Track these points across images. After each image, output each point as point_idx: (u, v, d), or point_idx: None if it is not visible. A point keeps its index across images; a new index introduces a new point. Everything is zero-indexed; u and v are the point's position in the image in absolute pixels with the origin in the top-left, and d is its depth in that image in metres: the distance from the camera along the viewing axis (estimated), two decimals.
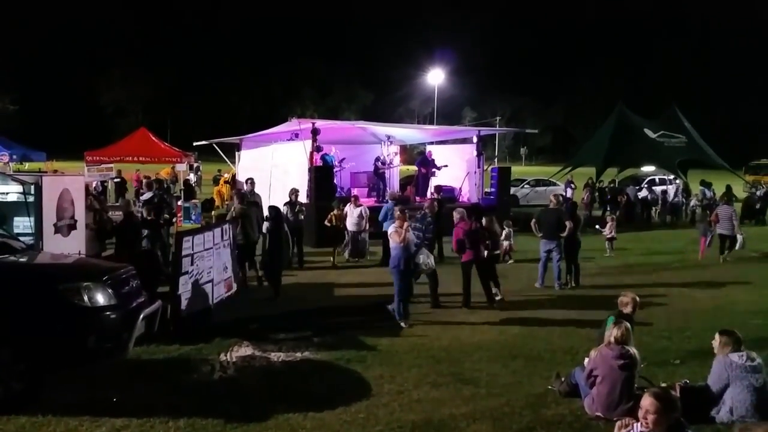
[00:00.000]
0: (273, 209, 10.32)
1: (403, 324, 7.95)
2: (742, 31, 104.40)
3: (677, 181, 23.01)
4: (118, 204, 16.57)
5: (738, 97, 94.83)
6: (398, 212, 8.61)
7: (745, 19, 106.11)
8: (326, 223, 12.67)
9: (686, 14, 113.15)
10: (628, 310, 6.22)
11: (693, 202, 21.94)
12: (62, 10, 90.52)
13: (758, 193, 22.22)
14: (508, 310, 9.01)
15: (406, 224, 8.28)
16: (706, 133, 24.85)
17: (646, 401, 3.43)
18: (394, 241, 8.21)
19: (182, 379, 6.08)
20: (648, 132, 23.04)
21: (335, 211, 12.88)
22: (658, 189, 23.67)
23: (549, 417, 5.29)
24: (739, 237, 13.85)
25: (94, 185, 16.87)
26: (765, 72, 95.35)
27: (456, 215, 9.53)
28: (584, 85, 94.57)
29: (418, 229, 9.18)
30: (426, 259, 8.71)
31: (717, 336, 5.37)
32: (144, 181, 18.06)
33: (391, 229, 8.41)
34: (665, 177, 25.09)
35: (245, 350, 6.81)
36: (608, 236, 14.12)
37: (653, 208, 22.59)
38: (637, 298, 6.36)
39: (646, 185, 24.38)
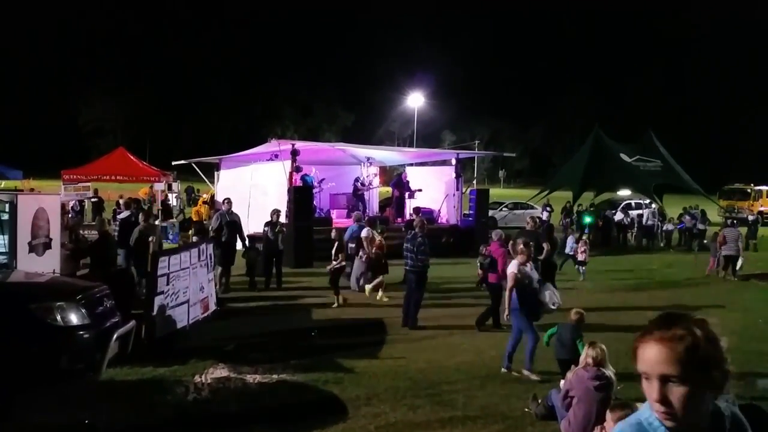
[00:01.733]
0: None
1: (534, 377, 6.89)
2: (717, 58, 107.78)
3: (652, 205, 23.46)
4: (94, 223, 16.38)
5: (712, 123, 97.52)
6: (521, 246, 7.47)
7: (720, 46, 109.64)
8: (374, 250, 11.25)
9: (663, 40, 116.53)
10: (575, 318, 6.60)
11: (669, 226, 22.38)
12: (41, 27, 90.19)
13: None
14: (485, 332, 9.04)
15: (520, 259, 7.30)
16: (681, 158, 25.43)
17: (614, 417, 3.47)
18: (510, 282, 7.21)
19: (156, 400, 5.97)
20: (624, 156, 23.50)
21: (379, 237, 11.59)
22: (633, 213, 24.12)
23: None
24: (740, 259, 14.92)
25: (71, 204, 16.66)
26: (739, 99, 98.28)
27: (494, 235, 9.56)
28: (562, 109, 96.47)
29: (408, 250, 9.20)
30: (552, 296, 7.86)
31: None
32: (121, 200, 17.90)
33: (511, 268, 7.35)
34: (641, 201, 25.58)
35: (220, 372, 6.73)
36: (580, 260, 14.22)
37: (629, 231, 22.99)
38: (583, 312, 6.72)
39: (621, 209, 24.83)
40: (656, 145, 24.44)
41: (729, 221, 18.35)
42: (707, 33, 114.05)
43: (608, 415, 3.52)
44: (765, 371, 7.10)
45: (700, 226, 21.51)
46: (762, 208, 29.46)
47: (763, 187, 34.33)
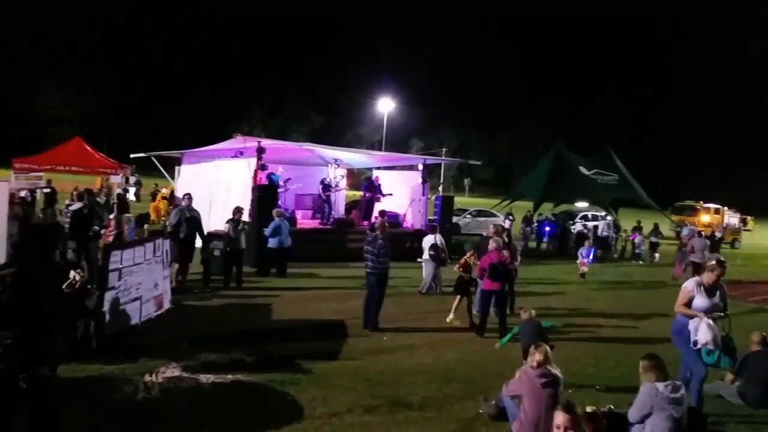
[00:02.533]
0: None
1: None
2: (673, 77, 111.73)
3: (607, 218, 24.05)
4: (45, 215, 15.82)
5: (669, 139, 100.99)
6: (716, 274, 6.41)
7: (678, 67, 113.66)
8: (457, 269, 10.41)
9: (625, 58, 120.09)
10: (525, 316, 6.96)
11: (639, 240, 22.87)
12: (0, 11, 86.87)
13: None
14: (444, 332, 9.09)
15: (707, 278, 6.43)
16: (635, 173, 26.17)
17: (560, 416, 3.51)
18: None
19: (104, 399, 5.77)
20: (583, 169, 24.05)
21: (469, 255, 10.48)
22: (590, 224, 24.68)
23: None
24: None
25: (23, 194, 16.04)
26: (695, 116, 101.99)
27: (492, 244, 9.35)
28: (527, 122, 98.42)
29: (369, 252, 9.17)
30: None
31: (641, 362, 5.57)
32: (74, 192, 17.35)
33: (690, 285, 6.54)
34: (597, 213, 26.20)
35: (172, 371, 6.55)
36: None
37: (585, 242, 23.46)
38: (534, 312, 7.00)
39: (579, 220, 25.38)
40: (613, 159, 25.10)
41: (697, 232, 19.17)
42: (666, 51, 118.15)
43: (557, 413, 3.56)
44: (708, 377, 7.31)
45: (653, 239, 22.17)
46: (689, 227, 30.58)
47: (712, 205, 35.96)
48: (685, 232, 19.00)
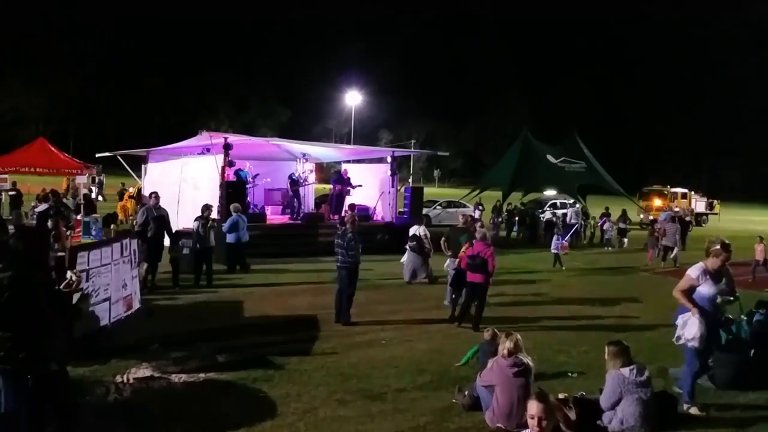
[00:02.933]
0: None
1: (695, 411, 6.03)
2: (640, 62, 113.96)
3: (576, 205, 24.49)
4: (10, 217, 15.40)
5: (634, 126, 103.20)
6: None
7: (643, 51, 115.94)
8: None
9: (589, 46, 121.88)
10: (487, 336, 6.72)
11: (607, 226, 23.26)
12: None
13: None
14: (416, 325, 9.17)
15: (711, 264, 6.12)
16: (603, 160, 26.65)
17: (533, 406, 3.59)
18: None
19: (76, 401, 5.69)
20: (550, 157, 24.38)
21: (465, 248, 9.58)
22: (559, 212, 25.10)
23: (452, 430, 5.43)
24: (676, 249, 16.99)
25: None
26: (660, 103, 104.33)
27: (478, 234, 9.38)
28: (494, 112, 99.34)
29: (339, 245, 9.17)
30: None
31: (606, 348, 5.73)
32: (41, 193, 16.95)
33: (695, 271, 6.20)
34: (565, 201, 26.64)
35: (144, 371, 6.48)
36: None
37: (554, 229, 23.85)
38: (497, 331, 6.65)
39: (549, 208, 25.78)
40: (581, 147, 25.50)
41: (669, 217, 19.71)
42: (631, 39, 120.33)
43: (530, 403, 3.65)
44: (674, 361, 7.55)
45: (622, 225, 22.67)
46: (676, 209, 31.39)
47: (679, 189, 36.79)
48: (662, 217, 19.58)
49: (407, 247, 12.94)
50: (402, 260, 13.16)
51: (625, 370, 5.44)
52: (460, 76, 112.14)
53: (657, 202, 35.06)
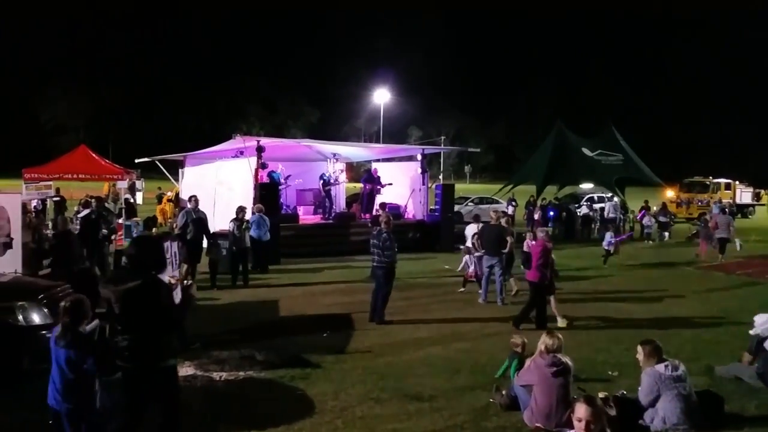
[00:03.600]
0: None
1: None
2: (677, 51, 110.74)
3: (614, 199, 24.03)
4: (56, 222, 15.95)
5: (672, 116, 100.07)
6: None
7: (678, 42, 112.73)
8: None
9: (623, 34, 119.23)
10: (519, 350, 6.56)
11: (647, 220, 22.75)
12: (2, 19, 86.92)
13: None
14: (451, 323, 9.17)
15: None
16: (641, 152, 26.07)
17: (581, 409, 3.56)
18: None
19: (120, 399, 5.88)
20: (586, 150, 23.91)
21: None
22: (596, 206, 24.65)
23: (490, 430, 5.42)
24: (737, 241, 17.03)
25: (34, 204, 16.21)
26: (700, 92, 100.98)
27: (540, 233, 9.28)
28: (525, 104, 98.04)
29: (375, 245, 9.23)
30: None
31: (639, 347, 5.63)
32: (82, 199, 17.48)
33: None
34: (603, 194, 26.16)
35: (186, 370, 6.67)
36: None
37: (592, 224, 23.51)
38: (526, 341, 6.58)
39: (585, 202, 25.35)
40: (617, 139, 24.96)
41: (720, 208, 19.20)
42: (668, 26, 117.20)
43: (579, 406, 3.62)
44: (720, 359, 7.38)
45: (662, 218, 22.15)
46: (716, 202, 30.52)
47: (722, 180, 35.30)
48: (715, 210, 19.13)
49: (469, 245, 12.65)
50: (464, 258, 12.91)
51: (660, 366, 5.36)
52: (488, 70, 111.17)
53: (669, 193, 33.44)
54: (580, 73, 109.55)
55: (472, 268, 11.73)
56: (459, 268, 12.30)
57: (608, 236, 16.03)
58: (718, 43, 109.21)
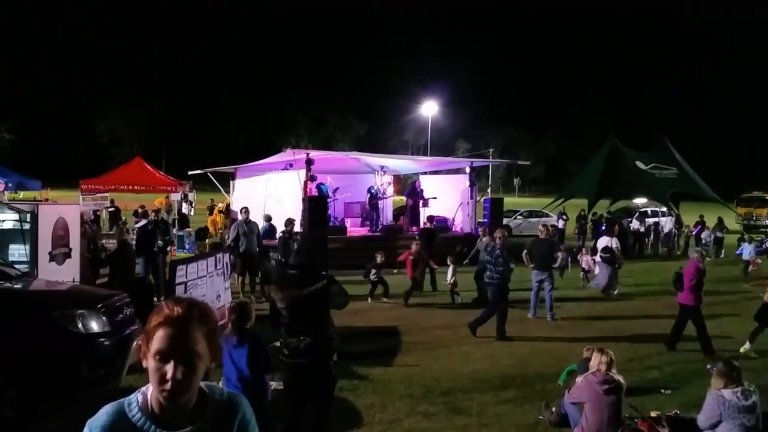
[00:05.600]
0: None
1: None
2: (732, 64, 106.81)
3: (672, 214, 23.24)
4: (112, 232, 16.60)
5: (728, 130, 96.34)
6: None
7: (736, 52, 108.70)
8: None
9: (678, 46, 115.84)
10: (587, 354, 5.93)
11: (706, 234, 21.95)
12: (59, 38, 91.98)
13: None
14: (500, 340, 9.04)
15: None
16: (697, 166, 25.22)
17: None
18: None
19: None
20: (639, 164, 23.36)
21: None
22: (650, 221, 23.87)
23: None
24: None
25: (88, 214, 16.94)
26: (756, 106, 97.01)
27: (694, 254, 8.99)
28: (576, 117, 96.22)
29: (488, 261, 9.18)
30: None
31: (718, 364, 5.37)
32: (139, 209, 18.14)
33: None
34: (657, 209, 25.36)
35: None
36: (584, 268, 14.31)
37: (645, 239, 22.76)
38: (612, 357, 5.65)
39: (638, 217, 24.59)
40: (672, 152, 24.27)
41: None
42: (724, 39, 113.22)
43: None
44: None
45: (719, 234, 21.27)
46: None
47: None
48: None
49: (599, 257, 13.13)
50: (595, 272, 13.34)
51: (727, 392, 5.06)
52: (539, 81, 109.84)
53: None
54: (634, 85, 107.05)
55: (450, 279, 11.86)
56: (448, 281, 12.15)
57: (748, 248, 15.73)
58: None
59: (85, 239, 9.84)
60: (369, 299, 11.73)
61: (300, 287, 4.50)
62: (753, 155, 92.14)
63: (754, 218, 31.70)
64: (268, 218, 13.88)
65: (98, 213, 19.61)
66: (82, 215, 10.94)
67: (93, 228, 13.89)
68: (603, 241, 13.38)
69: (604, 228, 22.72)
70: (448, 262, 12.05)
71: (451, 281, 11.85)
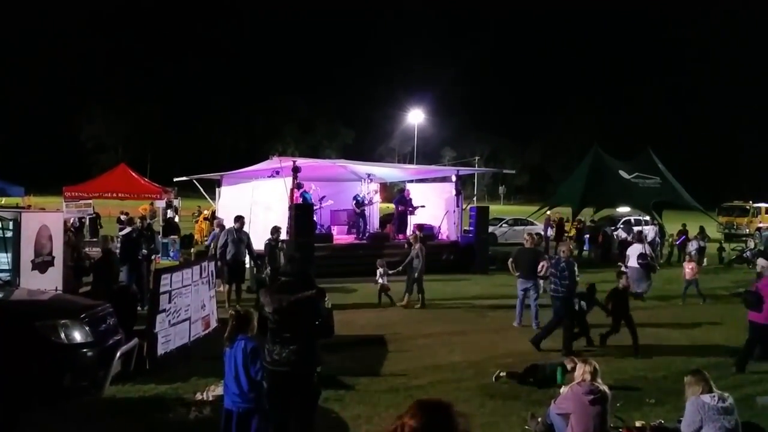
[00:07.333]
0: None
1: None
2: (715, 74, 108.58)
3: (655, 222, 23.51)
4: (95, 240, 16.41)
5: (710, 140, 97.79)
6: None
7: (718, 62, 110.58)
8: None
9: (661, 57, 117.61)
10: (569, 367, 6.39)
11: (693, 244, 22.12)
12: (42, 43, 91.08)
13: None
14: (487, 346, 9.06)
15: None
16: (679, 175, 25.54)
17: None
18: None
19: (158, 418, 5.99)
20: (623, 173, 23.62)
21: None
22: (634, 229, 24.11)
23: None
24: None
25: (71, 221, 16.72)
26: (737, 116, 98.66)
27: (763, 269, 8.77)
28: (560, 126, 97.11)
29: (552, 274, 9.08)
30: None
31: (685, 378, 5.47)
32: (123, 217, 17.94)
33: None
34: (640, 218, 25.65)
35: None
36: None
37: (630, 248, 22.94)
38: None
39: (622, 225, 24.88)
40: (655, 162, 24.57)
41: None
42: (705, 50, 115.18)
43: None
44: (762, 389, 7.12)
45: (701, 243, 21.53)
46: (761, 225, 29.54)
47: (762, 204, 34.33)
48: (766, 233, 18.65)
49: (638, 264, 13.59)
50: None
51: (706, 397, 5.18)
52: (524, 90, 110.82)
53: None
54: (617, 95, 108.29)
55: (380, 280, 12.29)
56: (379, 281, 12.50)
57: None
58: (761, 63, 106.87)
59: (69, 247, 9.73)
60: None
61: (291, 294, 4.55)
62: (734, 165, 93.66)
63: (734, 227, 32.23)
64: (219, 224, 13.69)
65: (83, 220, 19.38)
66: (65, 222, 10.82)
67: (77, 236, 13.70)
68: (636, 249, 13.74)
69: (588, 237, 23.08)
70: (378, 266, 12.53)
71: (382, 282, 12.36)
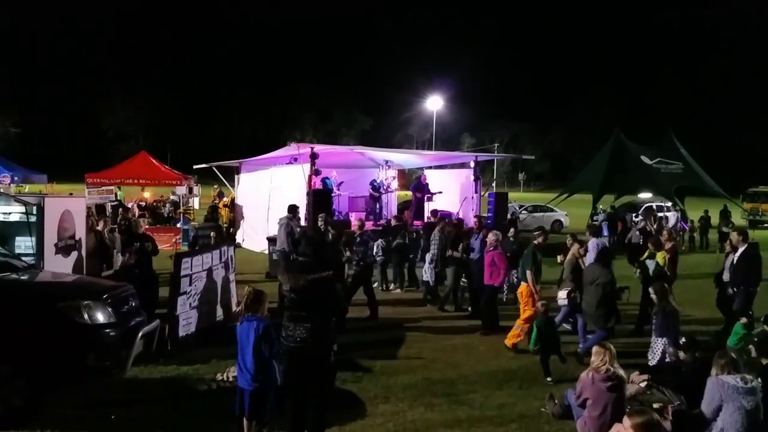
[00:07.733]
0: None
1: None
2: (739, 57, 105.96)
3: (677, 208, 23.15)
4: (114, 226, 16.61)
5: (734, 124, 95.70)
6: None
7: (742, 45, 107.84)
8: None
9: (683, 40, 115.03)
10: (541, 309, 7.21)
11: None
12: (64, 32, 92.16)
13: None
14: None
15: None
16: (702, 160, 25.07)
17: (626, 424, 3.49)
18: None
19: (179, 398, 6.11)
20: (644, 158, 23.23)
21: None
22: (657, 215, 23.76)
23: None
24: None
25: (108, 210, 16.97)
26: (761, 100, 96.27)
27: None
28: (581, 111, 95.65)
29: None
30: None
31: (717, 355, 5.39)
32: (140, 203, 18.12)
33: None
34: (662, 204, 25.27)
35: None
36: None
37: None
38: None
39: (643, 212, 24.53)
40: (677, 147, 24.12)
41: None
42: (729, 31, 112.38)
43: (626, 420, 3.55)
44: None
45: (724, 229, 21.19)
46: None
47: None
48: None
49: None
50: None
51: (728, 377, 5.11)
52: (544, 76, 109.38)
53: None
54: (639, 80, 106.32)
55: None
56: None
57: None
58: None
59: (91, 232, 9.85)
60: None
61: (309, 274, 4.66)
62: (759, 150, 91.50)
63: (759, 213, 31.59)
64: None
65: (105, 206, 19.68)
66: (88, 208, 10.97)
67: (105, 219, 13.77)
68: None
69: (606, 224, 22.80)
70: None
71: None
